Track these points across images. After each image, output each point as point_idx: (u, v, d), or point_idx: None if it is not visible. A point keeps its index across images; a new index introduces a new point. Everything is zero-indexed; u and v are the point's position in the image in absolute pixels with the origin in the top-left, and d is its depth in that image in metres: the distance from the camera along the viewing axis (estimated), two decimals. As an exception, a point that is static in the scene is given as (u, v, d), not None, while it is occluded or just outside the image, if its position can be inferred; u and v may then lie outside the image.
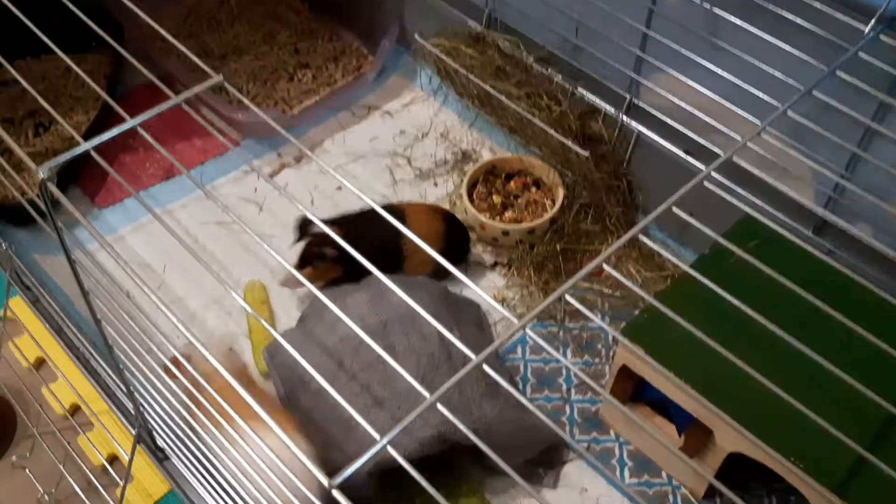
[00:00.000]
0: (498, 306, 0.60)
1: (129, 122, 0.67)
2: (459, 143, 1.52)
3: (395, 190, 1.44)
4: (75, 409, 1.19)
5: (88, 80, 0.75)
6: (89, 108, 1.52)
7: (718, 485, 0.54)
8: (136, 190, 1.43)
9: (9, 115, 1.51)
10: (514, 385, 1.18)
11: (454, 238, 1.30)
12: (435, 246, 1.15)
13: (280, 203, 1.41)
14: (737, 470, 1.00)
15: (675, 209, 0.64)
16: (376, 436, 0.52)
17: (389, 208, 1.28)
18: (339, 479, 0.47)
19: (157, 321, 0.80)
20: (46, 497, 1.10)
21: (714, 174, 0.71)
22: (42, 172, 0.61)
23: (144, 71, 0.77)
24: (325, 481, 0.48)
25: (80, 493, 1.07)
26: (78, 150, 0.65)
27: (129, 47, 0.90)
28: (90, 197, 1.43)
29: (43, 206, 0.65)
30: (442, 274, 1.26)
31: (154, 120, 0.68)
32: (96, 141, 0.66)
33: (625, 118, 1.31)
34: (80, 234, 1.35)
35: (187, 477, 0.97)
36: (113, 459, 1.14)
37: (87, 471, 1.09)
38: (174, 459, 0.99)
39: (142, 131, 0.67)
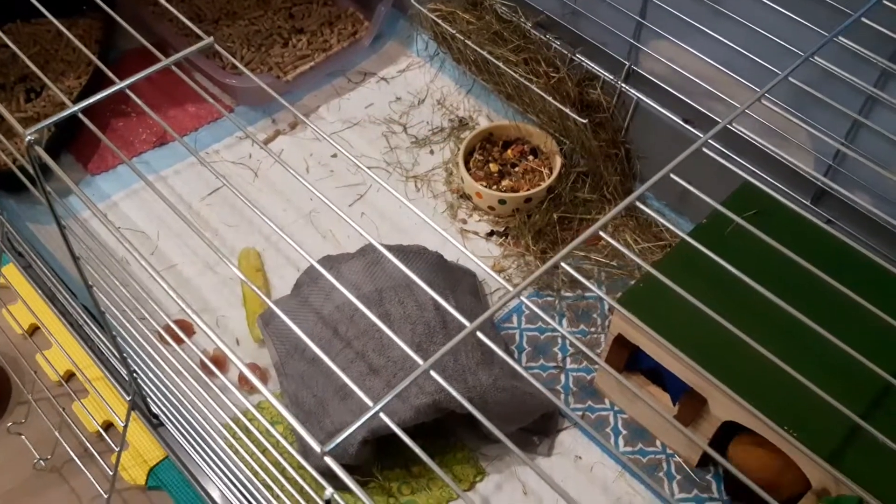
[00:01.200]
0: (493, 274, 0.59)
1: (118, 85, 0.65)
2: (456, 109, 1.50)
3: (391, 157, 1.43)
4: (70, 376, 1.19)
5: (79, 44, 0.73)
6: (81, 72, 1.50)
7: (712, 452, 0.54)
8: (128, 156, 1.43)
9: (0, 80, 1.49)
10: (510, 354, 1.18)
11: None
12: None
13: (275, 170, 1.40)
14: (731, 438, 1.00)
15: (672, 176, 0.63)
16: (369, 403, 0.51)
17: None
18: (331, 445, 0.47)
19: (150, 288, 0.79)
20: (42, 462, 1.11)
21: (712, 142, 0.70)
22: (29, 135, 0.60)
23: (136, 35, 0.75)
24: (317, 448, 0.48)
25: (75, 459, 1.08)
26: (66, 113, 0.64)
27: (121, 11, 0.89)
28: (83, 163, 1.42)
29: (32, 171, 0.64)
30: None
31: (147, 86, 0.67)
32: (84, 103, 0.64)
33: (623, 85, 1.30)
34: (73, 201, 1.34)
35: (182, 443, 0.97)
36: (108, 426, 1.14)
37: (83, 437, 1.09)
38: (169, 426, 0.99)
39: (131, 94, 0.66)
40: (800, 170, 0.79)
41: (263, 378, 1.14)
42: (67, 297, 1.12)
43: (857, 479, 0.84)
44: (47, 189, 0.64)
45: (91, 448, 1.08)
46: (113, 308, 0.82)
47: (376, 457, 1.04)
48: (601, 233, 0.60)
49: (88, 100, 0.65)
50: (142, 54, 1.53)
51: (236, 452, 0.83)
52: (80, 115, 0.63)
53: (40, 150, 0.60)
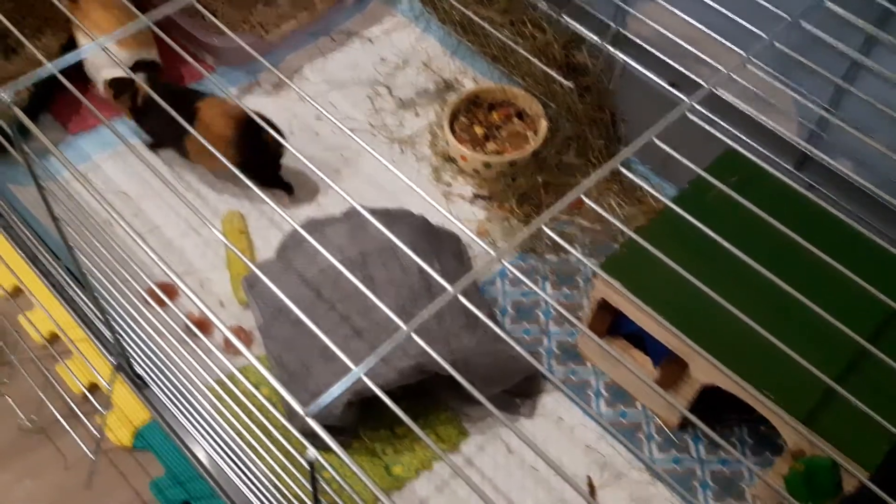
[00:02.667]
0: (476, 239, 0.59)
1: (96, 42, 0.64)
2: (441, 71, 1.49)
3: (376, 119, 1.42)
4: (54, 338, 1.19)
5: (57, 1, 0.72)
6: (59, 29, 1.47)
7: (690, 416, 0.55)
8: (108, 116, 1.41)
9: (-24, 38, 1.46)
10: (493, 317, 1.19)
11: (249, 149, 1.22)
12: (226, 151, 1.19)
13: (258, 132, 1.39)
14: (711, 401, 1.02)
15: (655, 140, 0.63)
16: (352, 365, 0.52)
17: (182, 93, 1.30)
18: (313, 407, 0.47)
19: (133, 251, 0.79)
20: (28, 423, 1.11)
21: (697, 106, 0.70)
22: (5, 95, 0.59)
23: (113, -9, 0.74)
24: (300, 410, 0.48)
25: (61, 420, 1.08)
26: (43, 73, 0.63)
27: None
28: (62, 123, 1.40)
29: (8, 130, 0.64)
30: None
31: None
32: (62, 63, 0.63)
33: (610, 48, 1.29)
34: (53, 162, 1.32)
35: (166, 404, 0.98)
36: (93, 387, 1.14)
37: (68, 398, 1.09)
38: (153, 387, 0.99)
39: (109, 53, 0.65)
40: (783, 135, 0.79)
41: (248, 340, 1.14)
42: (49, 258, 1.11)
43: (833, 440, 0.87)
44: (25, 150, 0.63)
45: (76, 409, 1.08)
46: (95, 270, 0.82)
47: (361, 418, 1.05)
48: (583, 197, 0.60)
49: (66, 58, 0.63)
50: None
51: (221, 414, 0.83)
52: (59, 75, 0.62)
53: (18, 111, 0.59)
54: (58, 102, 1.41)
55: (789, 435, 0.92)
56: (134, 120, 1.29)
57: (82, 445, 1.06)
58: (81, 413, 1.08)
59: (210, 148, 0.65)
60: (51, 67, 0.62)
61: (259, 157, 1.22)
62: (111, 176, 1.33)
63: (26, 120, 0.59)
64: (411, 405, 1.07)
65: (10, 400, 1.11)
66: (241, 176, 0.63)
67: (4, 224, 1.18)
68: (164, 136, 1.31)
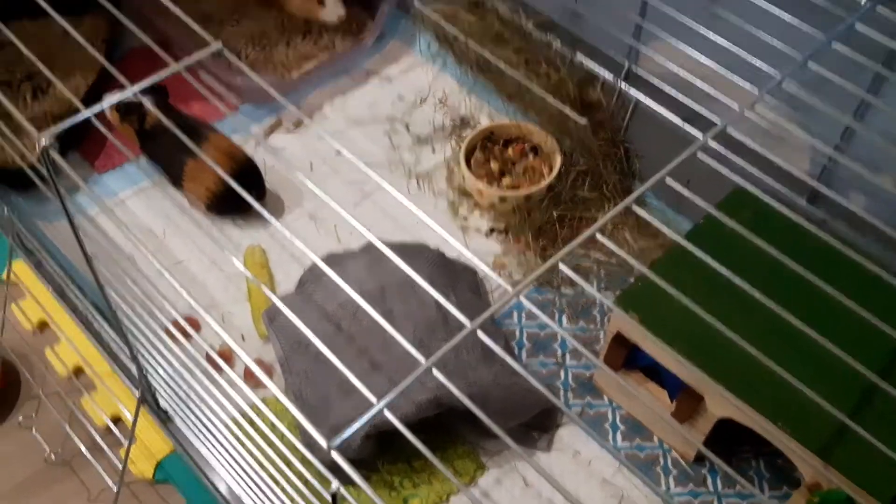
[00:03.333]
0: (492, 274, 0.61)
1: (129, 90, 0.67)
2: (458, 108, 1.52)
3: (393, 155, 1.45)
4: (79, 371, 1.21)
5: (86, 43, 0.75)
6: (88, 71, 1.52)
7: (706, 451, 0.56)
8: (136, 154, 1.44)
9: (6, 78, 1.50)
10: (510, 350, 1.20)
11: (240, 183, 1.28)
12: (217, 185, 1.27)
13: (280, 167, 1.42)
14: (727, 434, 1.02)
15: (668, 180, 0.65)
16: (374, 399, 0.53)
17: (192, 124, 1.33)
18: (337, 440, 0.49)
19: (158, 284, 0.81)
20: (53, 456, 1.13)
21: (711, 142, 0.71)
22: (45, 140, 0.61)
23: (141, 35, 0.77)
24: (324, 443, 0.50)
25: (85, 452, 1.10)
26: (79, 118, 0.66)
27: (125, 9, 0.90)
28: (89, 161, 1.44)
29: (45, 173, 0.66)
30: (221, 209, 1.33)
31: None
32: (97, 108, 0.66)
33: (623, 85, 1.31)
34: (80, 199, 1.36)
35: (190, 437, 1.00)
36: (116, 420, 1.16)
37: (92, 431, 1.11)
38: (177, 420, 1.01)
39: (143, 99, 0.68)
40: (793, 173, 0.81)
41: (268, 374, 1.16)
42: (77, 292, 1.14)
43: (848, 473, 0.87)
44: (62, 192, 0.66)
45: (100, 441, 1.10)
46: (123, 305, 0.84)
47: (378, 451, 1.07)
48: (598, 235, 0.62)
49: (101, 104, 0.66)
50: (146, 52, 1.53)
51: (243, 446, 0.85)
52: (94, 120, 0.65)
53: (55, 155, 0.62)
54: (83, 141, 1.46)
55: (805, 468, 0.93)
56: (139, 142, 1.33)
57: (105, 478, 1.08)
58: (105, 445, 1.10)
59: (217, 169, 0.68)
60: (87, 113, 0.65)
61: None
62: (136, 213, 1.36)
63: (65, 164, 0.62)
64: (428, 438, 1.07)
65: (36, 433, 1.13)
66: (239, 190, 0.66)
67: (35, 261, 1.21)
68: (163, 160, 1.35)
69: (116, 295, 0.83)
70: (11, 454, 1.14)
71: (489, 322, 1.22)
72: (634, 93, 1.30)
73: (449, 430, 1.10)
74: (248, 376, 1.15)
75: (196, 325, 1.19)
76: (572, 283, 1.27)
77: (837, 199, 0.73)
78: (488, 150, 1.41)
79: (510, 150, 1.41)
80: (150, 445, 1.13)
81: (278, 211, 1.36)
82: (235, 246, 1.31)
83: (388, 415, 0.52)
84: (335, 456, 0.49)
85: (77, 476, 1.13)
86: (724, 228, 1.03)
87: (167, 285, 1.07)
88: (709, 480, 1.08)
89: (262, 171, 1.33)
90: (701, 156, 0.68)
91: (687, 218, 1.34)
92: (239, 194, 0.67)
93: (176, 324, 0.99)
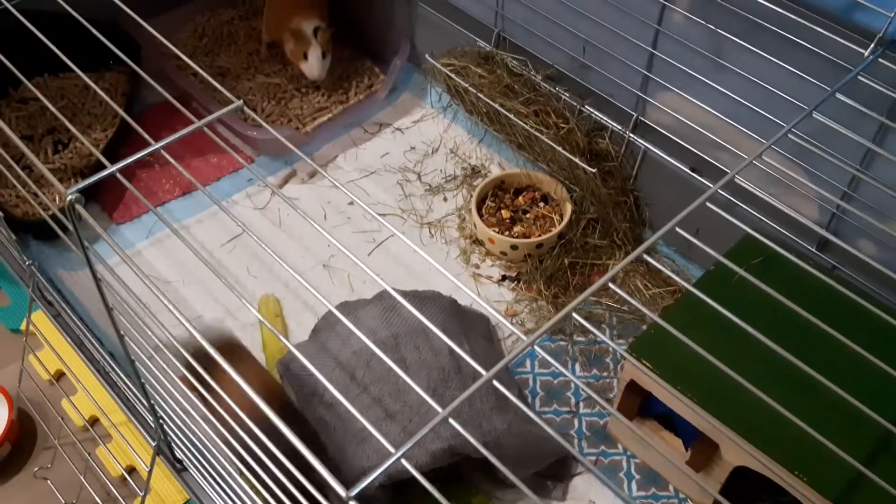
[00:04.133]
0: (506, 322, 0.62)
1: (153, 146, 0.69)
2: (469, 158, 1.54)
3: (406, 204, 1.47)
4: (95, 421, 1.22)
5: (107, 98, 0.78)
6: (107, 125, 1.56)
7: (722, 500, 0.56)
8: (153, 205, 1.47)
9: (28, 132, 1.54)
10: (524, 398, 1.20)
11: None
12: None
13: (294, 217, 1.44)
14: (743, 482, 1.02)
15: (678, 230, 0.67)
16: (391, 448, 0.54)
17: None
18: (355, 490, 0.50)
19: (175, 335, 0.82)
20: (67, 507, 1.13)
21: (720, 192, 0.73)
22: (71, 195, 0.63)
23: (161, 91, 0.80)
24: (342, 492, 0.50)
25: (100, 503, 1.10)
26: (105, 173, 0.68)
27: (145, 65, 0.93)
28: (108, 213, 1.47)
29: (69, 225, 0.68)
30: None
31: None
32: (121, 164, 0.68)
33: (631, 135, 1.33)
34: (99, 250, 1.38)
35: (205, 488, 1.00)
36: (131, 470, 1.16)
37: (107, 481, 1.11)
38: (192, 471, 1.01)
39: (165, 154, 0.70)
40: (802, 221, 0.82)
41: (282, 423, 1.16)
42: (95, 343, 1.15)
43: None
44: (86, 244, 0.68)
45: (115, 492, 1.10)
46: (142, 355, 0.85)
47: (393, 501, 1.06)
48: (610, 285, 0.63)
49: (126, 160, 0.69)
50: (165, 106, 1.59)
51: (259, 495, 0.85)
52: (119, 176, 0.67)
53: (81, 209, 0.64)
54: (102, 193, 1.49)
55: (824, 517, 0.92)
56: None
57: (120, 529, 1.08)
58: (120, 496, 1.10)
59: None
60: (113, 169, 0.67)
61: None
62: (152, 263, 1.38)
63: (89, 218, 0.64)
64: (443, 488, 1.06)
65: (51, 485, 1.14)
66: None
67: (54, 312, 1.23)
68: None
69: (134, 344, 0.84)
70: (26, 505, 1.14)
71: (503, 371, 1.22)
72: (642, 142, 1.32)
73: (463, 480, 1.10)
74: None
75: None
76: (585, 331, 1.28)
77: (846, 247, 0.74)
78: (499, 199, 1.43)
79: (521, 199, 1.43)
80: (163, 496, 1.13)
81: (292, 261, 1.38)
82: (251, 295, 1.32)
83: (406, 464, 0.53)
84: (354, 505, 0.50)
85: (91, 527, 1.12)
86: (733, 276, 1.04)
87: (183, 334, 1.08)
88: (726, 530, 1.07)
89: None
90: (710, 205, 0.70)
91: (697, 265, 1.35)
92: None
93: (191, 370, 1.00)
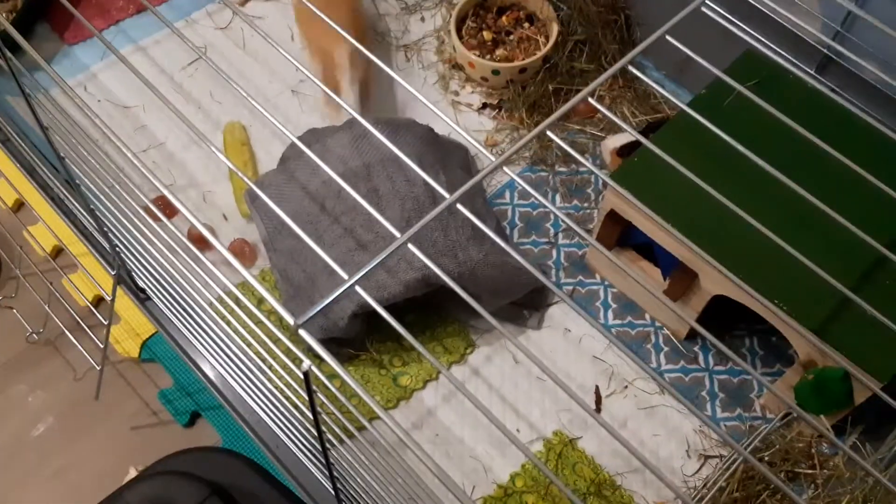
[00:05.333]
0: (483, 151, 0.57)
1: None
2: (449, -27, 1.42)
3: (380, 25, 1.36)
4: (58, 252, 1.18)
5: None
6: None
7: (699, 328, 0.53)
8: (105, 25, 1.36)
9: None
10: (501, 230, 1.16)
11: None
12: None
13: (259, 39, 1.34)
14: (721, 312, 1.01)
15: (668, 38, 0.59)
16: (345, 276, 0.50)
17: None
18: (303, 318, 0.46)
19: (133, 164, 0.76)
20: (35, 336, 1.11)
21: (711, 3, 0.65)
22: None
23: None
24: (291, 320, 0.46)
25: (67, 332, 1.08)
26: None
27: None
28: (59, 33, 1.36)
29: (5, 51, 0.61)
30: None
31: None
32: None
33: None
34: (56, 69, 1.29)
35: (170, 317, 0.97)
36: (98, 301, 1.14)
37: (73, 312, 1.09)
38: (155, 300, 0.99)
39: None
40: (806, 34, 0.74)
41: (253, 253, 1.13)
42: (47, 171, 1.09)
43: (846, 351, 0.85)
44: (13, 61, 0.61)
45: (82, 322, 1.08)
46: (91, 185, 0.80)
47: (368, 330, 1.05)
48: (590, 99, 0.57)
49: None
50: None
51: (222, 329, 0.82)
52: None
53: (7, 25, 0.56)
54: (53, 11, 1.37)
55: (800, 346, 0.91)
56: None
57: (89, 357, 1.07)
58: (87, 326, 1.08)
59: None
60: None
61: None
62: (110, 87, 1.29)
63: (18, 36, 0.56)
64: (419, 317, 1.06)
65: (17, 313, 1.11)
66: None
67: (3, 138, 1.15)
68: None
69: (84, 175, 0.78)
70: (-6, 334, 1.13)
71: (481, 201, 1.18)
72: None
73: (439, 309, 1.08)
74: (239, 254, 1.12)
75: (172, 207, 1.15)
76: (566, 162, 1.22)
77: (853, 58, 0.68)
78: (481, 19, 1.32)
79: (504, 19, 1.32)
80: (134, 325, 1.11)
81: (259, 85, 1.29)
82: (215, 123, 1.25)
83: (360, 291, 0.49)
84: (302, 333, 0.46)
85: (62, 356, 1.11)
86: (726, 99, 0.98)
87: (142, 164, 1.02)
88: (700, 357, 1.07)
89: None
90: (706, 10, 0.62)
91: (687, 91, 1.27)
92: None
93: (147, 209, 0.95)
